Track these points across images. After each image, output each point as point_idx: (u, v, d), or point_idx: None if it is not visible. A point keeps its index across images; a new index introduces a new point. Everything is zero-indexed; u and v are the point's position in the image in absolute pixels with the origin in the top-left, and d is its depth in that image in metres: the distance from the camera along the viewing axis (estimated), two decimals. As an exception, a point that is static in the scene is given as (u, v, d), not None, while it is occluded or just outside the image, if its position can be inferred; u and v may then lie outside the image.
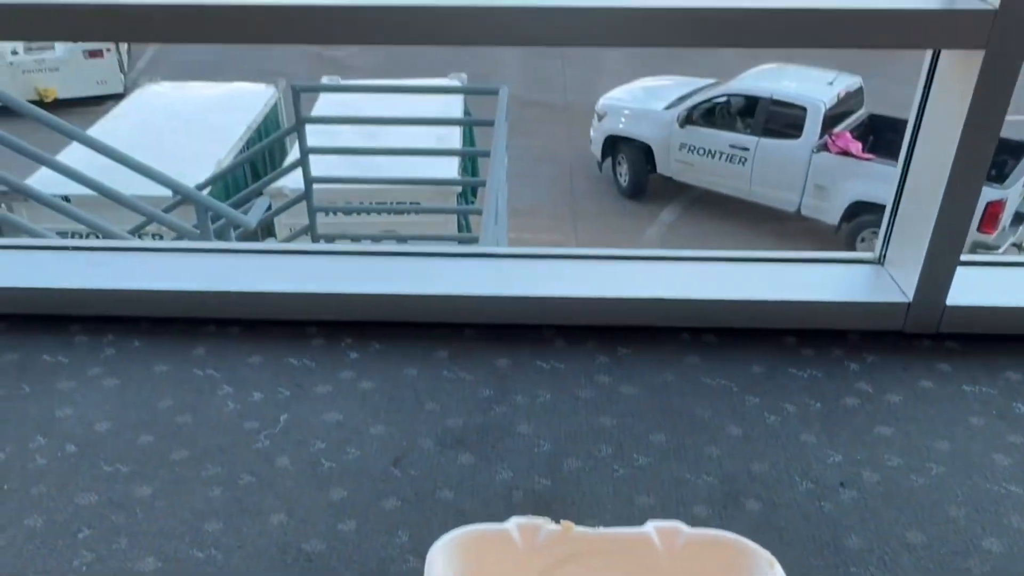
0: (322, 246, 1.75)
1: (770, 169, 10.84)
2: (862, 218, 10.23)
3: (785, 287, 1.47)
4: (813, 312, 1.44)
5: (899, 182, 1.42)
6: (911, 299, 1.40)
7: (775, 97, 10.79)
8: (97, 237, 4.83)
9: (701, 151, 11.41)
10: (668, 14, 1.18)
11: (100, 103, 12.27)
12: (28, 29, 1.24)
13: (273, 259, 1.60)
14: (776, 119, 10.88)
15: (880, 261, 1.52)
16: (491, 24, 1.19)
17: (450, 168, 7.50)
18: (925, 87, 1.33)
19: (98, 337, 1.42)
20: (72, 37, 1.25)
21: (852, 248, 10.48)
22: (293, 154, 7.11)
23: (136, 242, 4.34)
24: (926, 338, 1.42)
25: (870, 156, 10.25)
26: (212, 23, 1.20)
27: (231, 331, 1.45)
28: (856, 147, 10.32)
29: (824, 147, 10.45)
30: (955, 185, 1.28)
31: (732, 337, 1.42)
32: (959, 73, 1.24)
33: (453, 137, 8.11)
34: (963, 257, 1.38)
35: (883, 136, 10.72)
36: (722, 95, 11.41)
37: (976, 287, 1.45)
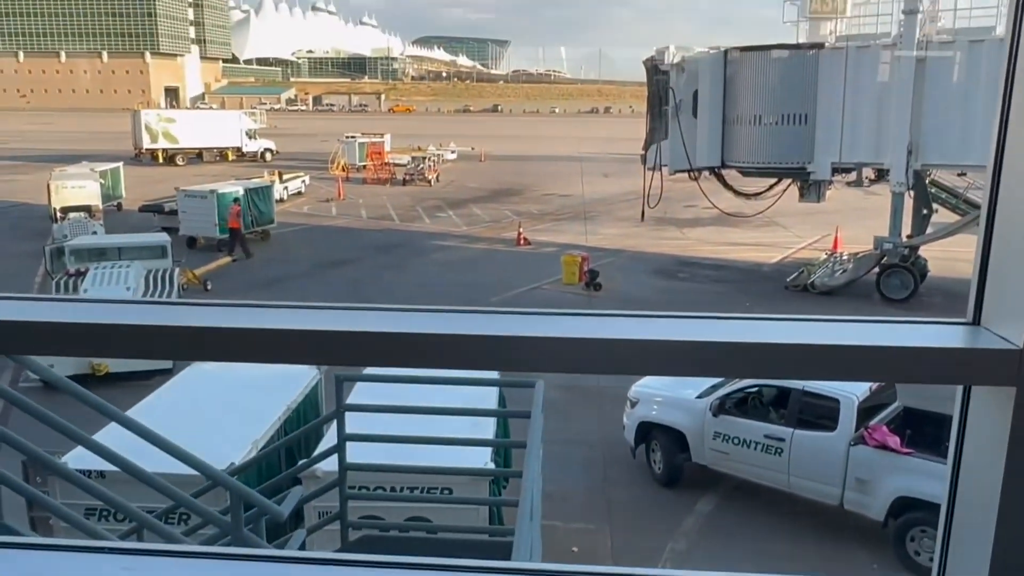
0: (347, 555, 1.72)
1: (808, 461, 10.63)
2: (909, 515, 9.77)
3: None
4: None
5: (946, 516, 1.39)
6: None
7: (807, 389, 10.85)
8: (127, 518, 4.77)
9: (736, 440, 11.29)
10: (698, 347, 1.24)
11: (150, 378, 12.71)
12: (83, 346, 1.34)
13: (297, 570, 1.57)
14: (809, 411, 10.87)
15: (938, 592, 1.44)
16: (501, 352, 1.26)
17: (483, 455, 7.48)
18: (961, 417, 1.35)
19: None
20: (122, 354, 1.34)
21: (902, 547, 9.95)
22: (329, 437, 7.18)
23: (160, 543, 4.29)
24: None
25: (909, 451, 10.04)
26: (252, 345, 1.28)
27: None
28: (894, 441, 10.16)
29: (861, 440, 10.30)
30: (1005, 520, 1.25)
31: None
32: (993, 406, 1.26)
33: (487, 424, 8.18)
34: None
35: (920, 430, 10.59)
36: (754, 385, 11.52)
37: None
